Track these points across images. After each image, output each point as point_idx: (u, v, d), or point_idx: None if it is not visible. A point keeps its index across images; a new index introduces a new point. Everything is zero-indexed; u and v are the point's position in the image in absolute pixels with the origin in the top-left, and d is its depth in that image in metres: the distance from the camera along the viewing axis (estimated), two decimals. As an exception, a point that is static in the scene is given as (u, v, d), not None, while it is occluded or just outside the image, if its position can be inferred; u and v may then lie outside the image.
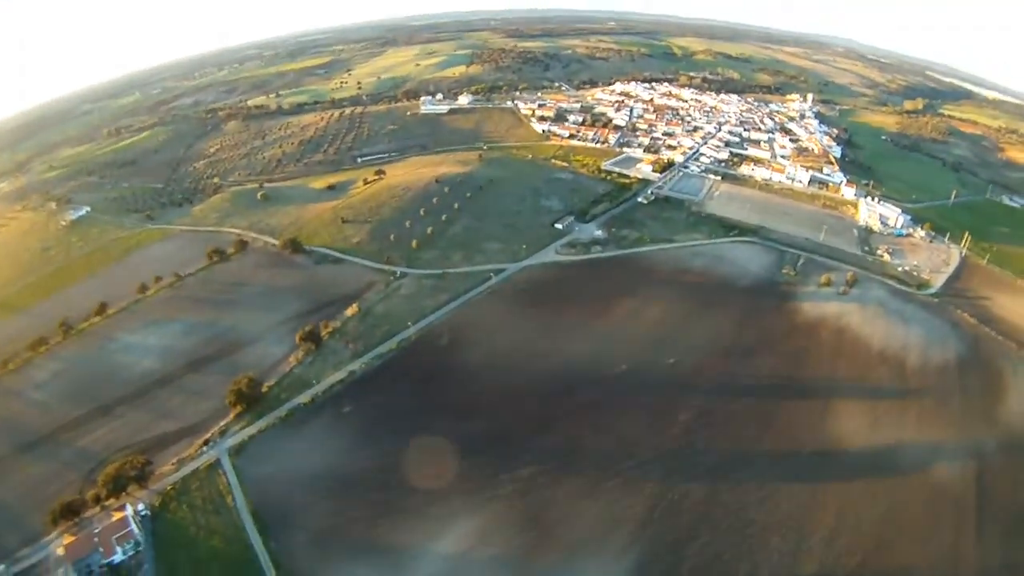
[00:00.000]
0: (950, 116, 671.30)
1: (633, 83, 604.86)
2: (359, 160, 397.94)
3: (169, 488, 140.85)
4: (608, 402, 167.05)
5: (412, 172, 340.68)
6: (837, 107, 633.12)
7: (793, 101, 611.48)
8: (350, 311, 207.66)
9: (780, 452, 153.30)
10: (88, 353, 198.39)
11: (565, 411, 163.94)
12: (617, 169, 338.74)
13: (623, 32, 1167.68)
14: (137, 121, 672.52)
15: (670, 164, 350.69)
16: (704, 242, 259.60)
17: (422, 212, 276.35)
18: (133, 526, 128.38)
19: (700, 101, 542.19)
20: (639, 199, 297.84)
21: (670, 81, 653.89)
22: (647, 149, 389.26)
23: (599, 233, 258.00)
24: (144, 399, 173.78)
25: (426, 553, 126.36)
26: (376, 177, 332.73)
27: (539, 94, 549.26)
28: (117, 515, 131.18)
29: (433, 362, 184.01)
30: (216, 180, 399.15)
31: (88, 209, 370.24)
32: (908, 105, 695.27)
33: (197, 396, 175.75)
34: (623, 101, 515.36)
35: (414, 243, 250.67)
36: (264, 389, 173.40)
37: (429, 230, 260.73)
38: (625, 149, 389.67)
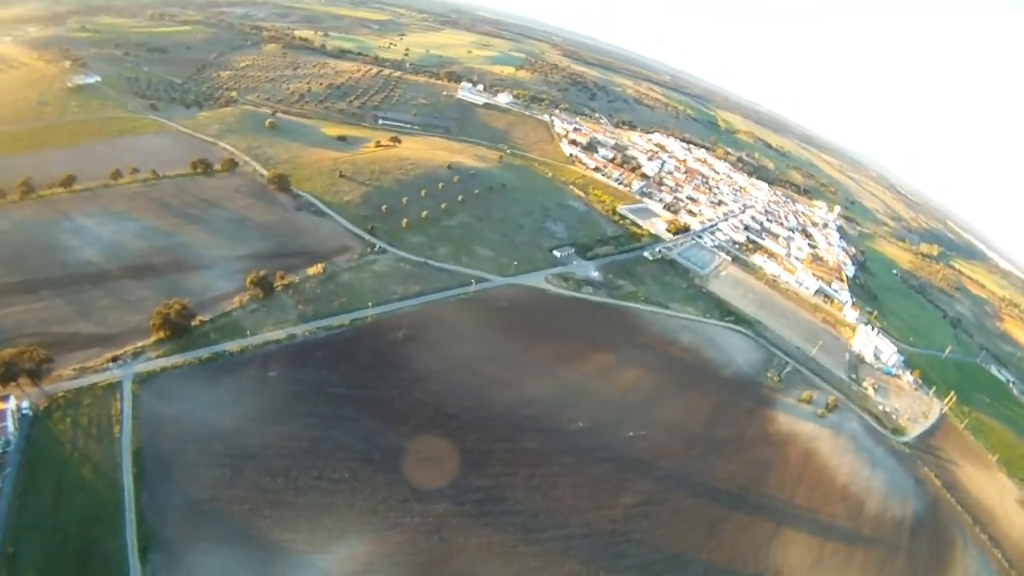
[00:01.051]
0: (960, 271, 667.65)
1: (671, 139, 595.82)
2: (380, 122, 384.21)
3: (60, 394, 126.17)
4: (553, 458, 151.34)
5: (428, 150, 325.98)
6: (858, 228, 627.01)
7: (819, 208, 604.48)
8: (313, 270, 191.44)
9: (717, 566, 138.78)
10: (37, 222, 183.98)
11: (505, 453, 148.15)
12: (632, 216, 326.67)
13: (675, 88, 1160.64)
14: (183, 13, 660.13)
15: (685, 229, 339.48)
16: (697, 318, 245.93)
17: (423, 193, 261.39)
18: (9, 423, 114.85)
19: (731, 178, 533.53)
20: (645, 253, 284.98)
21: (707, 149, 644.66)
22: (667, 207, 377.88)
23: (595, 275, 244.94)
24: (72, 289, 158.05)
25: (303, 564, 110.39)
26: (390, 143, 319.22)
27: (577, 118, 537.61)
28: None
29: (382, 354, 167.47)
30: (233, 94, 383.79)
31: (98, 79, 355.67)
32: (924, 248, 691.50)
33: (126, 305, 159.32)
34: (657, 152, 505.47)
35: (404, 222, 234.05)
36: (195, 322, 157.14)
37: (424, 214, 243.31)
38: (645, 200, 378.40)
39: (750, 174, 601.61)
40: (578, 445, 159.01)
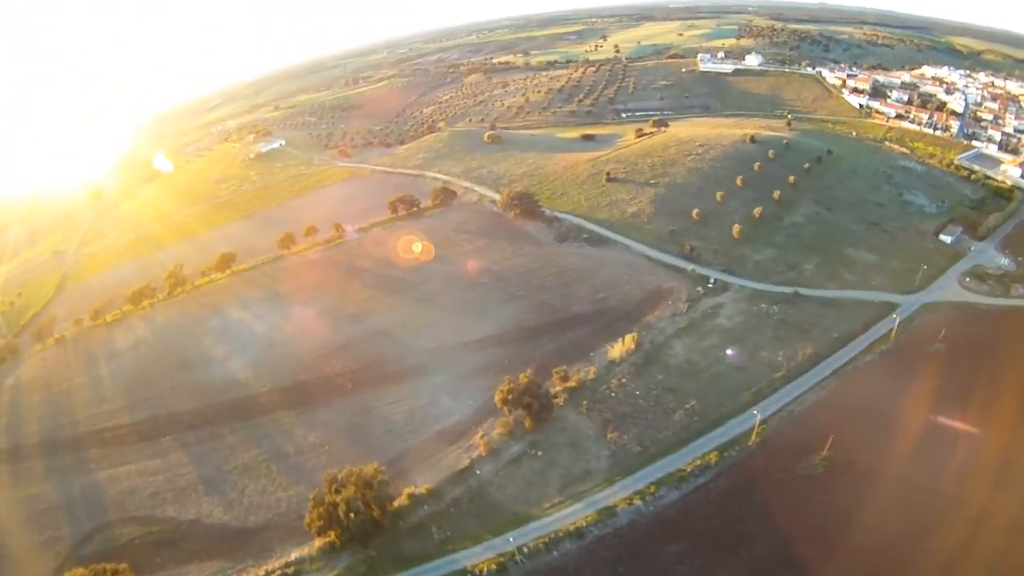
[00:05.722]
0: None
1: (946, 68, 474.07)
2: (623, 115, 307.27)
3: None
4: None
5: (707, 129, 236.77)
6: None
7: None
8: (617, 348, 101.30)
9: None
10: (179, 326, 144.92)
11: None
12: (976, 167, 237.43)
13: (895, 25, 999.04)
14: (377, 74, 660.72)
15: None
16: None
17: (739, 182, 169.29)
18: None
19: None
20: None
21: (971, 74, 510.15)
22: (1003, 147, 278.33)
23: (1005, 261, 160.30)
24: (204, 433, 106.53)
25: None
26: (655, 130, 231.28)
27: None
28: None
29: (792, 521, 76.90)
30: (441, 125, 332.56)
31: (282, 143, 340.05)
32: None
33: (276, 463, 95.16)
34: (951, 83, 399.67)
35: (735, 229, 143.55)
36: (398, 501, 78.51)
37: (757, 211, 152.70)
38: (973, 143, 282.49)
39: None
40: None
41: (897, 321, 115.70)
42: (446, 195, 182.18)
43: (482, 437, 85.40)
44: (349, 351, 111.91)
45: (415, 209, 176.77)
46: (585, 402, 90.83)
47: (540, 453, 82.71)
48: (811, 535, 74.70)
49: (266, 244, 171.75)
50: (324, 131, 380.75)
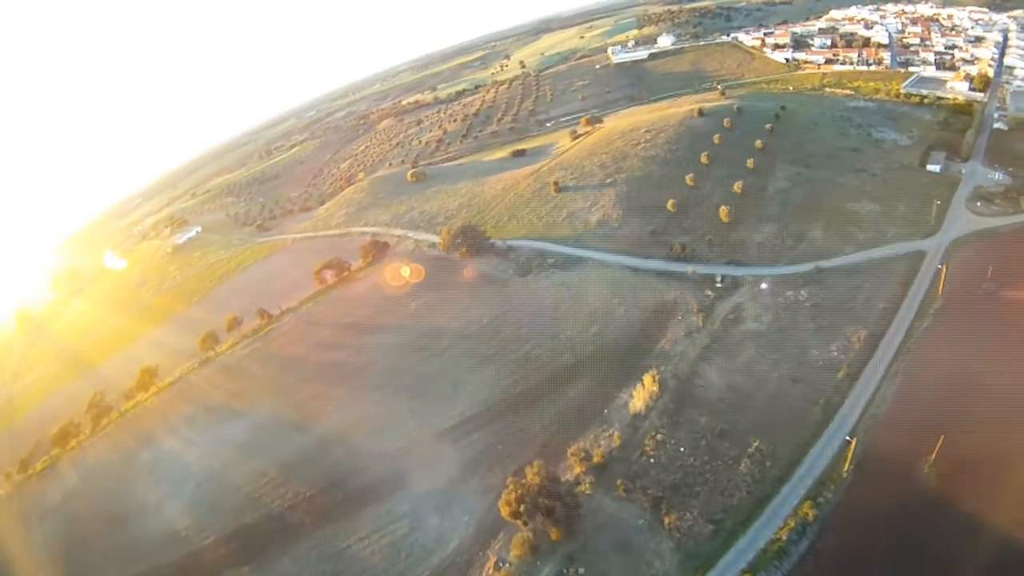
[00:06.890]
0: None
1: (854, 8, 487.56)
2: (548, 124, 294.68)
3: None
4: None
5: (645, 115, 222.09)
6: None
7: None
8: (638, 395, 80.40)
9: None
10: (105, 469, 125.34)
11: None
12: (924, 91, 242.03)
13: None
14: (290, 140, 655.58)
15: (986, 80, 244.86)
16: None
17: (704, 159, 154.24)
18: None
19: (951, 15, 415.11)
20: (997, 125, 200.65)
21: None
22: (939, 65, 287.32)
23: (999, 176, 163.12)
24: None
25: None
26: (591, 128, 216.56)
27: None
28: None
29: (936, 553, 61.43)
30: (360, 175, 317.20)
31: (198, 230, 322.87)
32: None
33: None
34: (867, 19, 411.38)
35: (722, 212, 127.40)
36: None
37: (737, 186, 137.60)
38: (911, 68, 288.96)
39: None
40: None
41: (944, 270, 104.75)
42: (378, 249, 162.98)
43: (498, 567, 62.44)
44: (299, 472, 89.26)
45: (346, 273, 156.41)
46: (620, 481, 69.35)
47: (582, 570, 60.65)
48: (956, 570, 59.81)
49: (191, 346, 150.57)
50: (242, 208, 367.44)
